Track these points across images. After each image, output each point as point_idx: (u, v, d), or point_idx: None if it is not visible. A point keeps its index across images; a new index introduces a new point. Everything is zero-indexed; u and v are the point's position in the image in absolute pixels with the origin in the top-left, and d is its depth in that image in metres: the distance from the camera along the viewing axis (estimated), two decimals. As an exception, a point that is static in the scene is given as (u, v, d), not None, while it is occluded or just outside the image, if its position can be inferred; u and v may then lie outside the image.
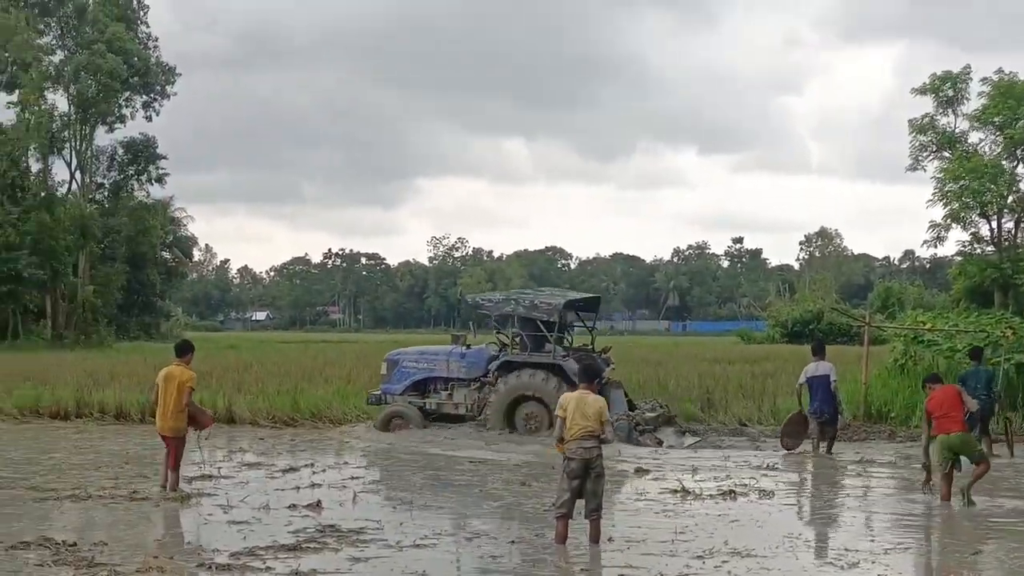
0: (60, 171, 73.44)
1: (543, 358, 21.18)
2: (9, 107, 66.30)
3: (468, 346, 22.51)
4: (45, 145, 66.81)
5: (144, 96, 74.39)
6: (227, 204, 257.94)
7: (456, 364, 22.07)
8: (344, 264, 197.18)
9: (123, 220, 77.70)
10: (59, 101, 70.01)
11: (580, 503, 11.06)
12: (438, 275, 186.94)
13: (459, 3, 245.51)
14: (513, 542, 11.21)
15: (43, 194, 68.05)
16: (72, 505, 13.54)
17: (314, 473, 16.39)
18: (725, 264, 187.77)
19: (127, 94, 72.71)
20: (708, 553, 10.67)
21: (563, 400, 11.21)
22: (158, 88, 74.87)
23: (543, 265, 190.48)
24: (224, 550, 10.73)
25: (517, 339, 21.90)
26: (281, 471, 16.58)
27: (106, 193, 79.82)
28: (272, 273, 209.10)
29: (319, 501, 13.52)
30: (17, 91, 64.54)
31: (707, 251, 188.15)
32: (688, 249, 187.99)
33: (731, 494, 14.44)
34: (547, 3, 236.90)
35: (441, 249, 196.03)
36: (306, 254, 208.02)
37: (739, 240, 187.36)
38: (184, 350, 15.07)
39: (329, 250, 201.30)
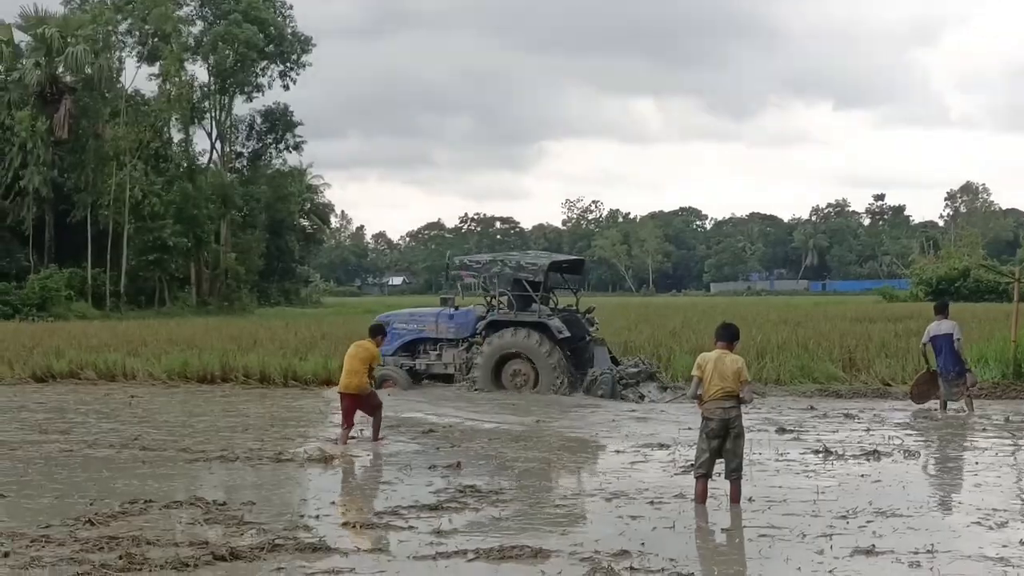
0: (201, 141, 75.32)
1: (529, 317, 21.76)
2: (151, 79, 68.19)
3: (456, 307, 23.10)
4: (186, 116, 68.40)
5: (280, 65, 75.60)
6: (361, 170, 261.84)
7: (444, 325, 22.80)
8: (478, 228, 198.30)
9: (262, 188, 79.28)
10: (199, 72, 71.72)
11: (720, 463, 10.99)
12: (572, 238, 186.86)
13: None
14: (651, 503, 11.16)
15: (185, 164, 69.86)
16: (221, 466, 13.90)
17: (457, 434, 16.53)
18: (866, 222, 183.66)
19: (264, 63, 73.99)
20: (851, 513, 10.46)
21: (700, 360, 11.09)
22: (294, 57, 76.01)
23: (678, 226, 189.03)
24: (368, 509, 10.91)
25: (503, 299, 22.32)
26: (422, 432, 16.76)
27: (245, 162, 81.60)
28: (407, 238, 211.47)
29: (459, 463, 13.64)
30: (158, 63, 66.11)
31: (847, 208, 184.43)
32: (827, 207, 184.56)
33: (874, 454, 14.13)
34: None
35: (575, 211, 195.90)
36: (440, 219, 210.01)
37: (880, 197, 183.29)
38: (375, 332, 16.43)
39: (465, 214, 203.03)
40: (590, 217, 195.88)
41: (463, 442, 15.64)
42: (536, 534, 9.78)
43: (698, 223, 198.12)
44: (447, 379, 22.63)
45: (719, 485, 11.13)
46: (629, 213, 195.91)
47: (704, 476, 10.97)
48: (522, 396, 21.13)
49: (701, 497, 10.96)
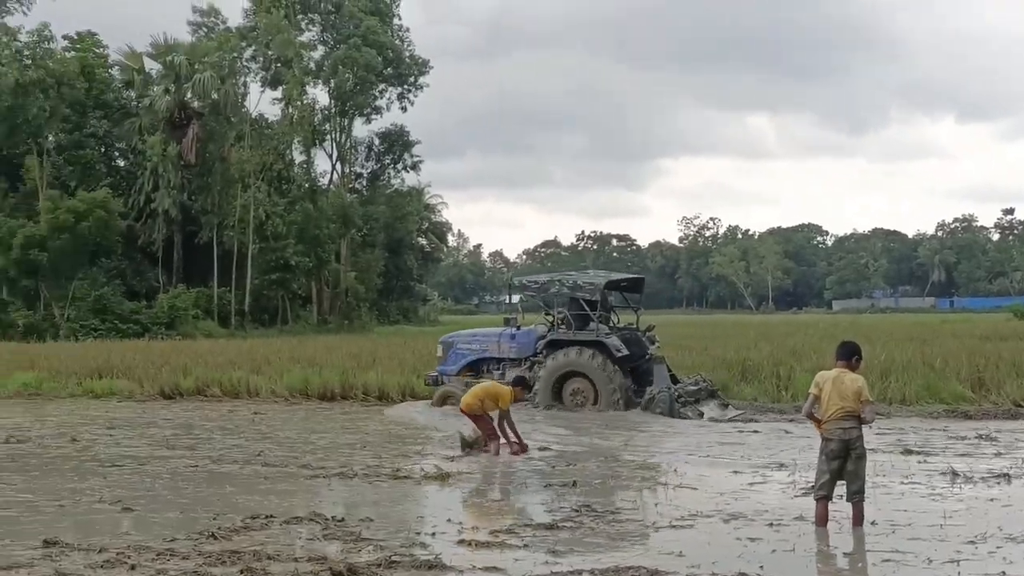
0: (322, 162, 76.59)
1: (587, 336, 22.12)
2: (274, 103, 69.71)
3: (518, 327, 23.47)
4: (308, 138, 69.69)
5: (398, 87, 76.58)
6: (477, 189, 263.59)
7: (507, 345, 23.15)
8: (595, 246, 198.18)
9: (381, 208, 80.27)
10: (319, 95, 73.00)
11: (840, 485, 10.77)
12: (690, 255, 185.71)
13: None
14: (771, 524, 10.99)
15: (307, 185, 71.14)
16: (340, 483, 14.07)
17: (575, 453, 16.51)
18: (995, 237, 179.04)
19: (382, 86, 75.04)
20: (980, 538, 10.15)
21: (819, 378, 10.89)
22: (411, 79, 76.94)
23: (799, 242, 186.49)
24: (484, 527, 10.94)
25: (562, 318, 22.65)
26: (537, 449, 16.77)
27: (364, 182, 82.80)
28: (524, 256, 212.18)
29: (575, 481, 13.61)
30: (281, 87, 67.51)
31: (974, 223, 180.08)
32: (954, 222, 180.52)
33: (1005, 477, 13.71)
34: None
35: (692, 228, 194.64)
36: (556, 237, 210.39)
37: (1010, 211, 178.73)
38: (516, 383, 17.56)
39: (582, 232, 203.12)
40: (707, 234, 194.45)
41: (577, 461, 15.59)
42: (652, 555, 9.70)
43: (819, 239, 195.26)
44: None
45: (841, 508, 10.89)
46: (748, 230, 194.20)
47: (825, 498, 10.75)
48: (606, 416, 21.06)
49: (822, 520, 10.75)
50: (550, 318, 23.43)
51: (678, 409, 21.20)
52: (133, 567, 9.22)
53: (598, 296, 22.50)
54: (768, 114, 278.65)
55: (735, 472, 14.64)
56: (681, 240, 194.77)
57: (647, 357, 22.88)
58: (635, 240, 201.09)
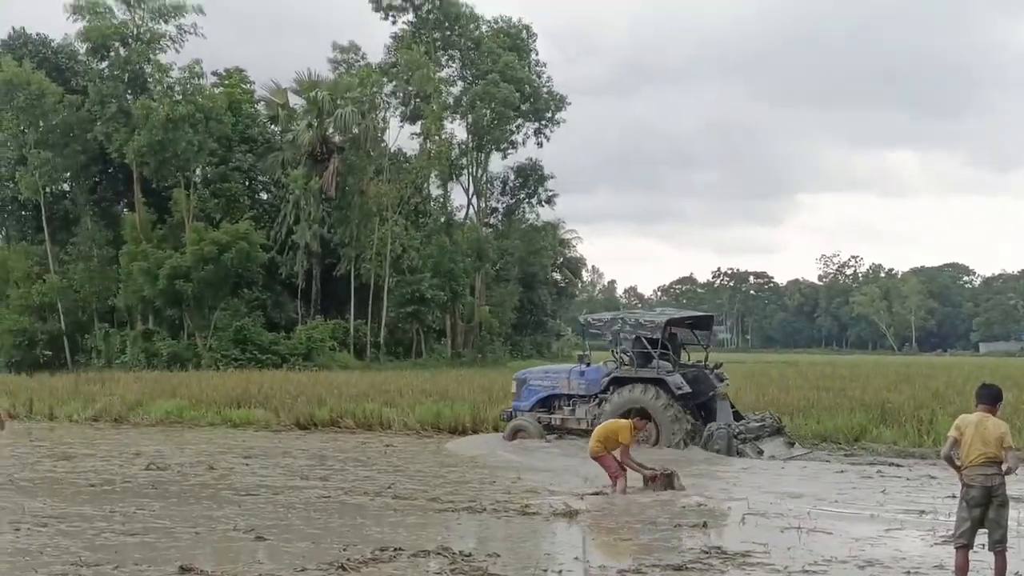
0: (458, 196, 77.28)
1: (649, 373, 22.34)
2: (412, 138, 70.65)
3: (588, 364, 23.75)
4: (445, 172, 70.46)
5: (535, 123, 77.01)
6: (610, 225, 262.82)
7: (576, 382, 23.48)
8: (731, 283, 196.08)
9: (515, 242, 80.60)
10: (457, 130, 73.75)
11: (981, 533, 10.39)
12: (829, 293, 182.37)
13: (838, 13, 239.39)
14: (908, 573, 10.66)
15: (443, 219, 71.87)
16: (469, 517, 14.11)
17: (700, 493, 16.28)
18: None
19: (519, 121, 75.56)
20: None
21: (960, 421, 10.53)
22: (548, 115, 77.32)
23: (943, 282, 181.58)
24: (611, 566, 10.84)
25: (625, 356, 22.98)
26: (663, 488, 16.58)
27: (499, 216, 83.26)
28: (659, 293, 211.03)
29: (705, 522, 13.42)
30: (419, 122, 68.42)
31: None
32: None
33: None
34: (930, 8, 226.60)
35: (831, 266, 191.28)
36: (691, 273, 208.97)
37: None
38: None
39: (718, 269, 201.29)
40: (848, 272, 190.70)
41: (710, 501, 15.35)
42: (783, 600, 9.50)
43: (965, 279, 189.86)
44: (583, 434, 22.36)
45: (982, 557, 10.51)
46: (890, 268, 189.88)
47: (965, 547, 10.37)
48: (708, 455, 21.04)
49: (962, 570, 10.37)
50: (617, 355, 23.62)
51: (736, 446, 21.21)
52: (264, 595, 9.37)
53: (659, 334, 22.65)
54: (911, 151, 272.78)
55: (872, 517, 14.28)
56: (820, 278, 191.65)
57: (712, 395, 22.92)
58: (772, 277, 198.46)
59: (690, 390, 22.01)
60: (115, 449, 23.09)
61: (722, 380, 23.49)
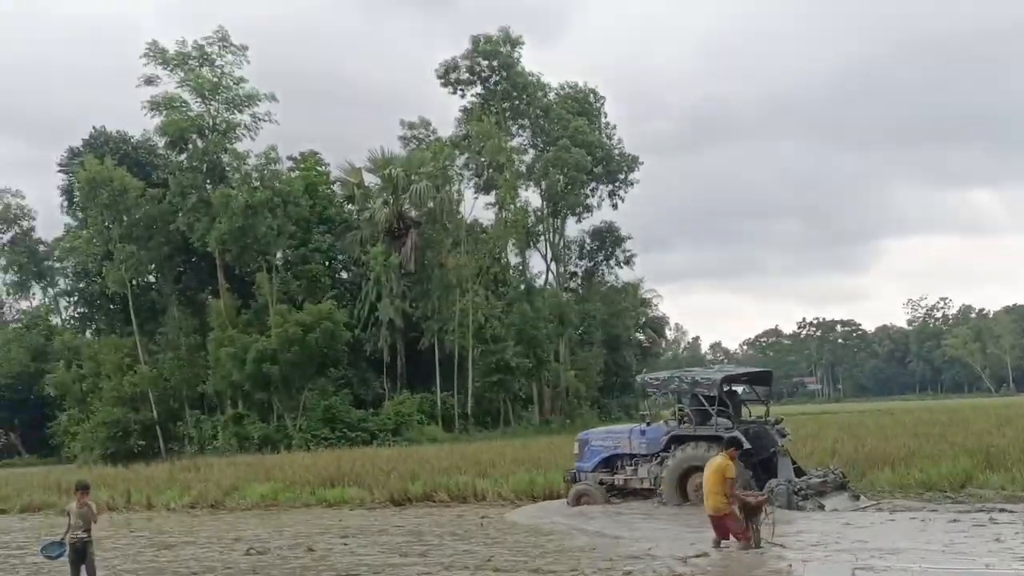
0: (536, 263, 77.42)
1: (708, 430, 22.26)
2: (487, 208, 71.16)
3: (649, 423, 24.02)
4: (522, 240, 70.75)
5: (608, 185, 77.13)
6: (690, 281, 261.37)
7: (637, 441, 23.78)
8: (818, 332, 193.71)
9: (597, 305, 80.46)
10: (531, 197, 74.11)
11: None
12: (919, 338, 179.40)
13: (910, 56, 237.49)
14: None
15: (523, 286, 72.01)
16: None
17: (805, 549, 15.92)
18: None
19: (592, 184, 75.73)
20: None
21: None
22: (621, 176, 77.42)
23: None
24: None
25: (683, 414, 23.17)
26: (779, 545, 16.25)
27: (579, 280, 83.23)
28: (744, 347, 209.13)
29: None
30: (494, 191, 68.86)
31: None
32: None
33: None
34: (1005, 44, 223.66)
35: (920, 310, 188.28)
36: (776, 325, 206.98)
37: None
38: (729, 444, 17.07)
39: (803, 319, 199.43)
40: (938, 315, 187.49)
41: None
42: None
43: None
44: (646, 493, 23.26)
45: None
46: (982, 309, 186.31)
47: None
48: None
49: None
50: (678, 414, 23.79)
51: (796, 502, 21.03)
52: None
53: (715, 391, 22.64)
54: (992, 188, 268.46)
55: (987, 567, 13.83)
56: (910, 322, 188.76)
57: (773, 451, 22.79)
58: (860, 325, 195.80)
59: (750, 446, 21.78)
60: (214, 535, 23.23)
61: (784, 436, 23.44)
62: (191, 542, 22.12)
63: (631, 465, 23.82)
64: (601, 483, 23.84)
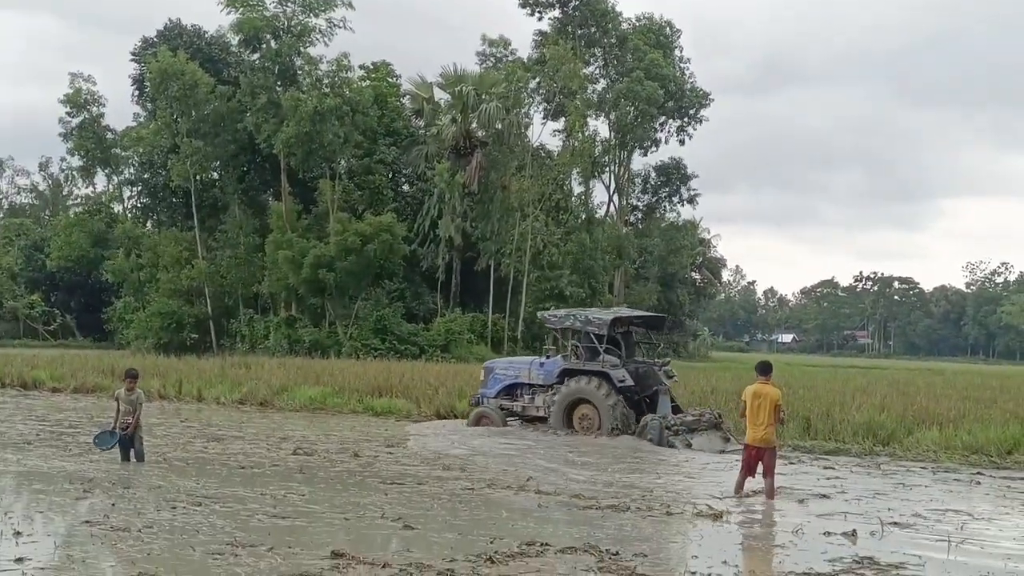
0: (599, 194, 77.21)
1: (595, 366, 24.21)
2: (555, 134, 70.71)
3: (548, 357, 25.96)
4: (587, 170, 70.33)
5: (678, 120, 76.48)
6: (747, 226, 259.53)
7: (536, 372, 25.55)
8: (875, 287, 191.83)
9: (655, 241, 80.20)
10: (600, 127, 73.64)
11: None
12: (977, 301, 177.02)
13: (983, 11, 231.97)
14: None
15: (583, 216, 71.77)
16: (613, 515, 14.05)
17: (847, 501, 15.97)
18: None
19: (662, 119, 75.13)
20: None
21: None
22: (691, 112, 76.74)
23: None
24: (760, 572, 10.70)
25: (576, 350, 24.87)
26: (818, 495, 16.33)
27: (640, 215, 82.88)
28: (799, 295, 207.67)
29: (854, 530, 13.15)
30: (563, 119, 68.47)
31: None
32: None
33: None
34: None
35: (979, 273, 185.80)
36: (833, 277, 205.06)
37: None
38: (766, 369, 16.10)
39: (860, 273, 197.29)
40: (997, 280, 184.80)
41: (860, 507, 15.05)
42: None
43: None
44: (540, 420, 25.05)
45: None
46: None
47: None
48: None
49: None
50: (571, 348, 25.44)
51: (667, 438, 22.66)
52: (415, 584, 9.47)
53: (605, 331, 24.33)
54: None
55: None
56: (968, 285, 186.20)
57: (655, 389, 24.69)
58: (918, 283, 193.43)
59: (632, 383, 23.98)
60: (262, 433, 23.65)
61: (670, 377, 25.28)
62: (239, 437, 22.54)
63: (529, 394, 25.57)
64: (501, 408, 25.63)
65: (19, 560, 9.98)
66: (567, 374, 24.69)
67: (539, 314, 29.95)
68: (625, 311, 28.55)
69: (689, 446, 22.55)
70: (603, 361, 24.23)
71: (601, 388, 23.93)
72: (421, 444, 22.40)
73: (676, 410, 24.59)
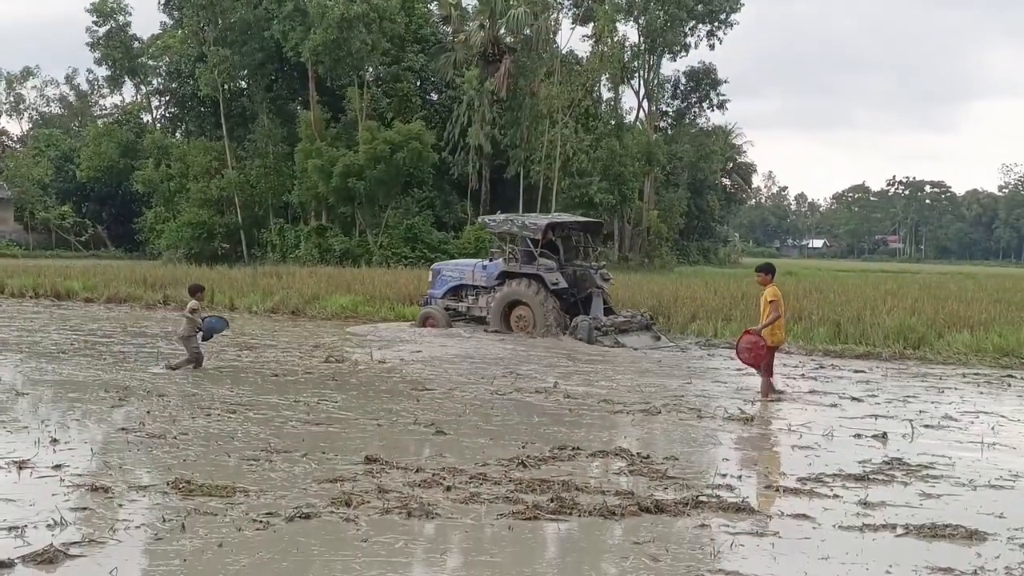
0: (628, 99, 76.54)
1: (530, 269, 25.20)
2: (584, 40, 69.90)
3: (491, 259, 26.99)
4: (616, 75, 69.62)
5: (708, 25, 75.43)
6: (779, 131, 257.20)
7: (479, 274, 26.65)
8: (906, 192, 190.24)
9: (685, 147, 79.61)
10: (629, 32, 72.74)
11: None
12: (1009, 204, 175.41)
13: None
14: (1103, 494, 10.30)
15: (613, 122, 71.20)
16: (643, 418, 14.15)
17: (878, 404, 16.01)
18: None
19: (692, 23, 74.08)
20: None
21: None
22: (722, 16, 75.62)
23: None
24: (791, 474, 10.75)
25: (512, 253, 26.00)
26: (849, 398, 16.37)
27: (670, 120, 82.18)
28: (830, 200, 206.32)
29: (885, 433, 13.20)
30: (592, 24, 67.63)
31: None
32: None
33: None
34: None
35: (1012, 176, 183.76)
36: (864, 181, 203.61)
37: None
38: (763, 270, 16.44)
39: (892, 177, 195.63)
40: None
41: (890, 410, 15.08)
42: (970, 514, 9.28)
43: None
44: (482, 320, 26.07)
45: None
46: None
47: None
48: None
49: None
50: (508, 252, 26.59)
51: (596, 337, 23.75)
52: (448, 488, 9.59)
53: (540, 235, 25.28)
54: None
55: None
56: (1000, 188, 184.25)
57: (590, 291, 25.51)
58: (950, 187, 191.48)
59: (566, 285, 25.02)
60: (294, 341, 23.82)
61: (606, 280, 26.07)
62: (272, 345, 22.72)
63: (473, 295, 26.70)
64: (447, 309, 26.64)
65: (57, 467, 10.14)
66: (505, 276, 25.71)
67: (480, 218, 31.36)
68: (563, 216, 29.84)
69: (619, 345, 23.59)
70: (538, 264, 25.21)
71: (536, 290, 24.93)
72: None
73: (608, 312, 25.47)
